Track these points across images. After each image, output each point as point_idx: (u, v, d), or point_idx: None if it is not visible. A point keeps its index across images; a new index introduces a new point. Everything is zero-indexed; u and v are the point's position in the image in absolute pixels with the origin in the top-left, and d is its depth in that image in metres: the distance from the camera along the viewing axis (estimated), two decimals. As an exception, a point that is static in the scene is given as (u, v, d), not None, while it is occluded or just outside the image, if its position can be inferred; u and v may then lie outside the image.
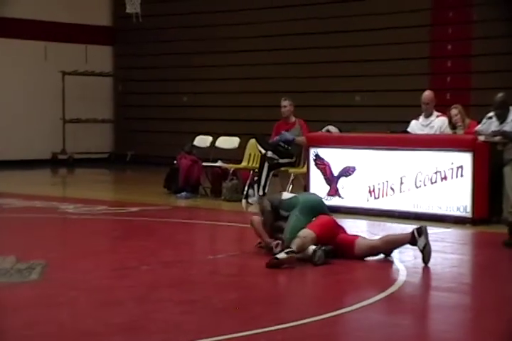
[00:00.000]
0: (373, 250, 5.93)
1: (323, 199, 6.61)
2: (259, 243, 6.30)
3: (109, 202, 10.08)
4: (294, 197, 6.11)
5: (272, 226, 6.12)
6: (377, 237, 6.29)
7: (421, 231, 5.79)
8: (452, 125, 8.71)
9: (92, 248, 6.69)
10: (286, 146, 9.87)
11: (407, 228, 7.62)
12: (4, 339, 4.00)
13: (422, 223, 7.88)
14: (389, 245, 5.96)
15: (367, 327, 4.35)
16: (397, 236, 6.06)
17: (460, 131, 8.77)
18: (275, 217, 6.14)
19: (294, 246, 5.66)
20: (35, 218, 8.37)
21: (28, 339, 3.99)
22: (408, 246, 6.05)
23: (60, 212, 8.80)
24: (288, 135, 9.85)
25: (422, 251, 5.77)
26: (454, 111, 8.76)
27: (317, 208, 6.06)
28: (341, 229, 6.07)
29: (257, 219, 6.24)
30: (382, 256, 6.05)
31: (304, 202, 6.05)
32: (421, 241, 5.76)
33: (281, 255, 5.58)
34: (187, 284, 5.28)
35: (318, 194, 6.87)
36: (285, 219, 6.06)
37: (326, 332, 4.24)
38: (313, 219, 5.94)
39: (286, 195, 6.19)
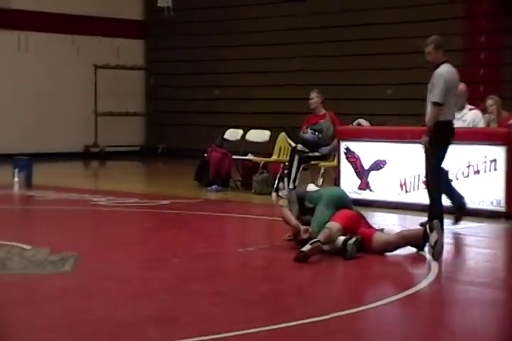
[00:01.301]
0: (389, 245, 5.87)
1: (347, 193, 6.57)
2: (289, 236, 6.31)
3: (141, 194, 10.14)
4: (318, 190, 6.14)
5: (298, 217, 6.15)
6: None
7: (433, 227, 5.71)
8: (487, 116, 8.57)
9: (124, 240, 6.74)
10: (317, 134, 9.82)
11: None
12: (41, 327, 4.06)
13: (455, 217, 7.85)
14: (405, 240, 5.89)
15: (398, 321, 4.33)
16: (411, 232, 6.00)
17: (494, 124, 8.66)
18: (300, 207, 6.18)
19: (320, 237, 5.67)
20: (67, 210, 8.46)
21: (64, 328, 4.04)
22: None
23: (92, 204, 8.89)
24: (310, 136, 9.82)
25: (432, 247, 5.68)
26: (489, 102, 8.63)
27: (341, 201, 6.07)
28: (363, 222, 6.04)
29: (287, 208, 6.33)
30: (414, 250, 6.01)
31: (328, 195, 6.06)
32: (432, 237, 5.67)
33: (307, 247, 5.58)
34: (218, 276, 5.30)
35: (342, 188, 6.84)
36: (310, 211, 6.09)
37: (357, 326, 4.23)
38: (337, 212, 5.94)
39: (311, 187, 6.23)
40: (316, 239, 5.64)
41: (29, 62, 15.77)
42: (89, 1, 16.36)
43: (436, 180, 7.00)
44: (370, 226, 6.06)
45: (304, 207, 6.18)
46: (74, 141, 16.19)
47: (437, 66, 6.98)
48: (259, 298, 4.69)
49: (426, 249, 6.00)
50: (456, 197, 7.25)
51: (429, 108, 6.94)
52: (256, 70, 15.31)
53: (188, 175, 11.22)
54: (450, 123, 6.97)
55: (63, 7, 16.08)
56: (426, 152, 6.95)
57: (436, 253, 5.66)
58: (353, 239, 5.67)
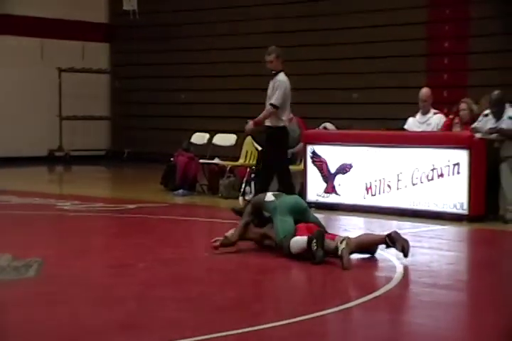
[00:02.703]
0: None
1: (301, 200, 6.53)
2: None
3: (106, 199, 10.07)
4: (273, 201, 6.13)
5: (246, 229, 6.15)
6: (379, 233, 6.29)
7: (393, 240, 5.77)
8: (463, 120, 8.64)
9: (89, 245, 6.69)
10: None
11: (403, 225, 7.69)
12: (4, 335, 4.00)
13: (419, 220, 7.95)
14: (363, 247, 5.92)
15: (365, 324, 4.36)
16: (371, 238, 6.01)
17: (457, 128, 8.76)
18: (259, 217, 6.17)
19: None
20: (31, 215, 8.36)
21: (28, 335, 3.99)
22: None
23: (56, 209, 8.79)
24: None
25: (402, 251, 5.79)
26: (462, 106, 8.69)
27: (296, 209, 6.08)
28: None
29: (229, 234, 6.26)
30: (379, 253, 6.06)
31: (283, 204, 6.06)
32: (397, 247, 5.77)
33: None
34: (185, 281, 5.28)
35: (297, 196, 6.84)
36: (270, 220, 6.09)
37: (324, 329, 4.25)
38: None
39: (268, 197, 6.21)
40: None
41: (-8, 65, 15.58)
42: (54, 3, 16.21)
43: (268, 178, 7.75)
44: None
45: (263, 217, 6.17)
46: (38, 145, 16.00)
47: (276, 74, 7.80)
48: (225, 302, 4.69)
49: (389, 251, 6.06)
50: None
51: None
52: (222, 74, 15.31)
53: (154, 179, 11.16)
54: (286, 127, 7.81)
55: (28, 9, 15.91)
56: (264, 153, 7.76)
57: (406, 253, 5.77)
58: (314, 241, 5.62)
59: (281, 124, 7.75)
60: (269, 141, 7.83)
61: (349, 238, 5.75)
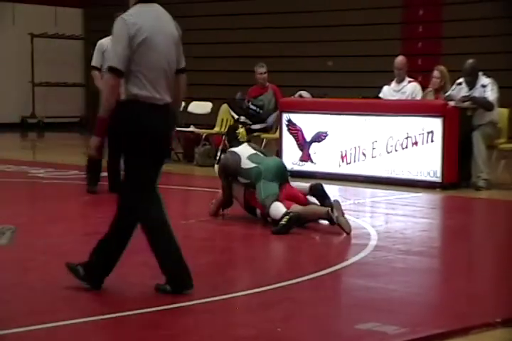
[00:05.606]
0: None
1: (285, 163, 6.51)
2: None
3: (81, 166, 9.97)
4: (256, 167, 6.00)
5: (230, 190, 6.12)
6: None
7: (332, 207, 5.69)
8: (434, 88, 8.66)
9: (64, 213, 6.66)
10: (258, 110, 9.87)
11: (378, 193, 7.75)
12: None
13: (393, 188, 8.02)
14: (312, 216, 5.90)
15: (340, 290, 4.42)
16: (314, 209, 5.90)
17: (431, 97, 8.79)
18: (227, 181, 6.12)
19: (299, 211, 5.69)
20: (4, 182, 8.29)
21: (1, 302, 3.99)
22: (381, 211, 6.11)
23: (30, 176, 8.73)
24: (251, 111, 9.86)
25: (338, 225, 5.69)
26: (435, 73, 8.69)
27: (280, 173, 6.05)
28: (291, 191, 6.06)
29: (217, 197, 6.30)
30: (353, 221, 6.10)
31: (268, 170, 5.98)
32: (334, 215, 5.67)
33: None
34: (160, 248, 5.27)
35: (278, 158, 6.82)
36: (245, 185, 6.04)
37: (298, 296, 4.29)
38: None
39: (245, 163, 6.04)
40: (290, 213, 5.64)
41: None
42: (24, -33, 15.87)
43: None
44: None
45: (230, 181, 6.09)
46: (10, 111, 15.80)
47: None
48: (201, 269, 4.70)
49: (364, 219, 6.12)
50: None
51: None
52: (198, 42, 15.15)
53: (128, 146, 11.07)
54: None
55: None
56: None
57: (344, 225, 5.66)
58: (287, 218, 5.61)
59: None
60: None
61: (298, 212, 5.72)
